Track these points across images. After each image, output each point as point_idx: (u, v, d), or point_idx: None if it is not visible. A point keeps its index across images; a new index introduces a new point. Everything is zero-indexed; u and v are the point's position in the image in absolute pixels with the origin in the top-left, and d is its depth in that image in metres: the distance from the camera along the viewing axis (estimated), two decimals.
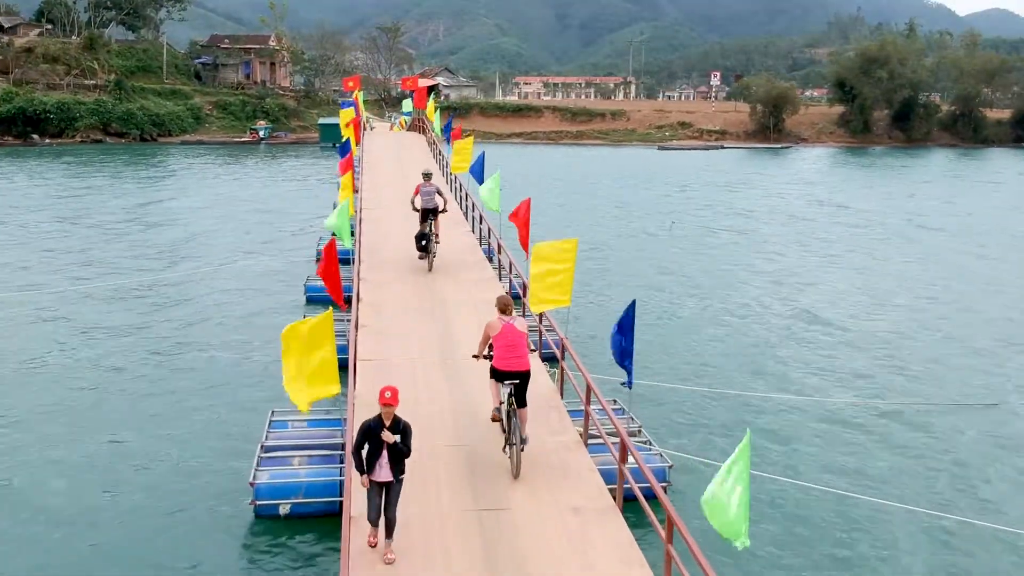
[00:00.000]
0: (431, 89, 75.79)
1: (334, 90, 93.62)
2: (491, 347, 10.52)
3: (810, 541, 11.28)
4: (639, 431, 12.74)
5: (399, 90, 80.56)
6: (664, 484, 11.17)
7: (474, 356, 11.02)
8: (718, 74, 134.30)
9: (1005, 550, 11.25)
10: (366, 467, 8.15)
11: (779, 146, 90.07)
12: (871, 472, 13.36)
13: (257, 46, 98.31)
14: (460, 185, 27.19)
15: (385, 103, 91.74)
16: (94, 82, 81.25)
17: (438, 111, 41.97)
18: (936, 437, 14.88)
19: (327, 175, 51.88)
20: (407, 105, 56.54)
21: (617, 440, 9.67)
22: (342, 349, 11.79)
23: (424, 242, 18.95)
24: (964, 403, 16.48)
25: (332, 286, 13.53)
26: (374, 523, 8.30)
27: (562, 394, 12.41)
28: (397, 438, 8.09)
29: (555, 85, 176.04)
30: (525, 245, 15.84)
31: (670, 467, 12.00)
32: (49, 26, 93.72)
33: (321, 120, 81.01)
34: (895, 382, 17.69)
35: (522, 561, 8.38)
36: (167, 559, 10.48)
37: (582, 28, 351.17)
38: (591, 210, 41.54)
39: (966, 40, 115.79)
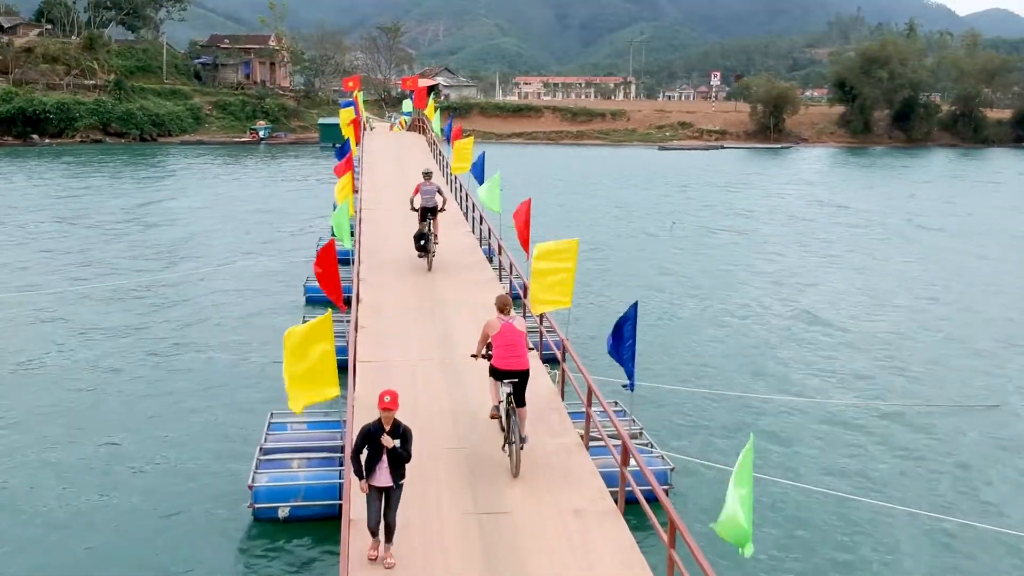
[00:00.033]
0: (431, 89, 75.72)
1: (334, 90, 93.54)
2: (490, 346, 10.53)
3: (811, 544, 11.21)
4: (640, 433, 12.67)
5: (399, 90, 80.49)
6: (666, 487, 11.11)
7: (472, 356, 11.01)
8: (718, 74, 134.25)
9: (1007, 553, 11.19)
10: (365, 472, 8.07)
11: (779, 146, 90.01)
12: (872, 474, 13.30)
13: (257, 46, 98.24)
14: (460, 185, 27.13)
15: (385, 103, 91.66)
16: (94, 82, 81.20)
17: (438, 111, 41.91)
18: (937, 439, 14.82)
19: (327, 175, 51.73)
20: (407, 105, 56.45)
21: (618, 442, 9.61)
22: (341, 350, 11.76)
23: (423, 242, 18.91)
24: (965, 404, 16.42)
25: (330, 287, 13.46)
26: (374, 530, 8.18)
27: (563, 395, 12.35)
28: (397, 443, 8.01)
29: (555, 85, 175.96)
30: (525, 246, 15.78)
31: (672, 469, 11.93)
32: (49, 26, 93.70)
33: (321, 120, 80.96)
34: (896, 383, 17.63)
35: (522, 565, 8.32)
36: (164, 562, 10.41)
37: (582, 28, 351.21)
38: (591, 210, 41.48)
39: (966, 40, 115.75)
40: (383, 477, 8.06)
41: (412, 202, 19.34)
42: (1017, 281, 27.82)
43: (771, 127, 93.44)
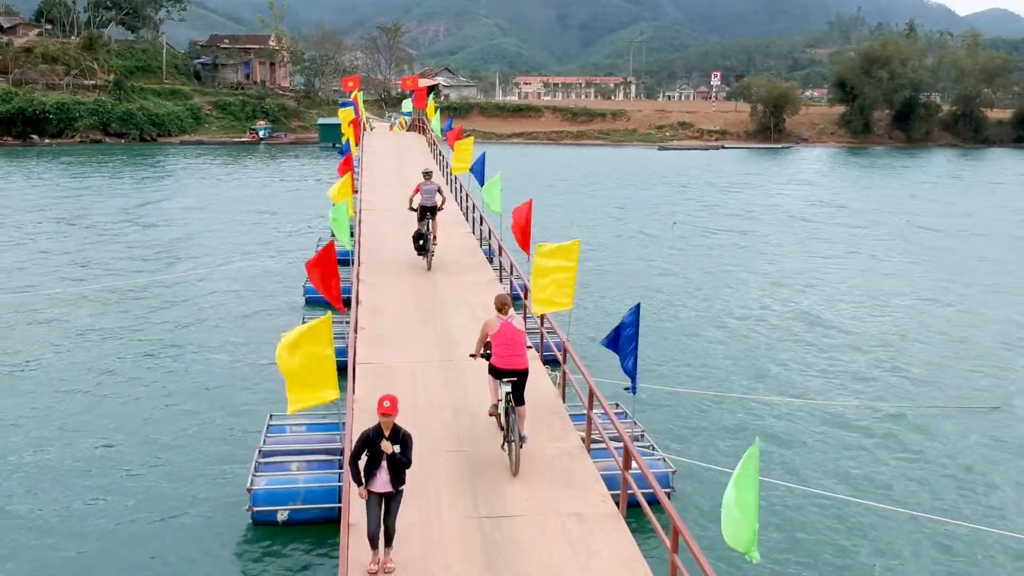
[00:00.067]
0: (431, 89, 75.67)
1: (334, 90, 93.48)
2: (488, 345, 10.50)
3: (813, 547, 11.13)
4: (642, 435, 12.59)
5: (399, 90, 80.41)
6: (668, 490, 11.02)
7: (471, 355, 11.02)
8: (718, 74, 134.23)
9: (1010, 557, 11.10)
10: (365, 477, 7.97)
11: (780, 146, 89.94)
12: (874, 477, 13.21)
13: (257, 46, 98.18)
14: (460, 186, 27.06)
15: (385, 103, 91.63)
16: (93, 82, 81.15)
17: (438, 111, 41.85)
18: (939, 441, 14.74)
19: (326, 175, 51.71)
20: (407, 105, 56.42)
21: (620, 445, 9.53)
22: (340, 352, 11.67)
23: (421, 241, 18.86)
24: (967, 406, 16.34)
25: (328, 288, 13.33)
26: (373, 537, 8.04)
27: (564, 398, 12.27)
28: (396, 449, 7.91)
29: (555, 85, 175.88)
30: (526, 247, 15.71)
31: (673, 472, 11.84)
32: (48, 26, 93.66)
33: (321, 120, 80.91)
34: (897, 385, 17.54)
35: (524, 570, 8.25)
36: (161, 567, 10.31)
37: (582, 28, 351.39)
38: (591, 210, 41.41)
39: (967, 40, 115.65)
40: (383, 483, 7.97)
41: (411, 201, 19.31)
42: (1018, 282, 27.74)
43: (771, 127, 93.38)
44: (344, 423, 10.54)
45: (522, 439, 10.06)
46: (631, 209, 42.40)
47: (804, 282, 26.94)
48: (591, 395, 10.58)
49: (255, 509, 10.92)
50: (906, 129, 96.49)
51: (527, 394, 10.41)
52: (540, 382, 12.50)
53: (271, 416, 12.93)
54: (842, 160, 77.94)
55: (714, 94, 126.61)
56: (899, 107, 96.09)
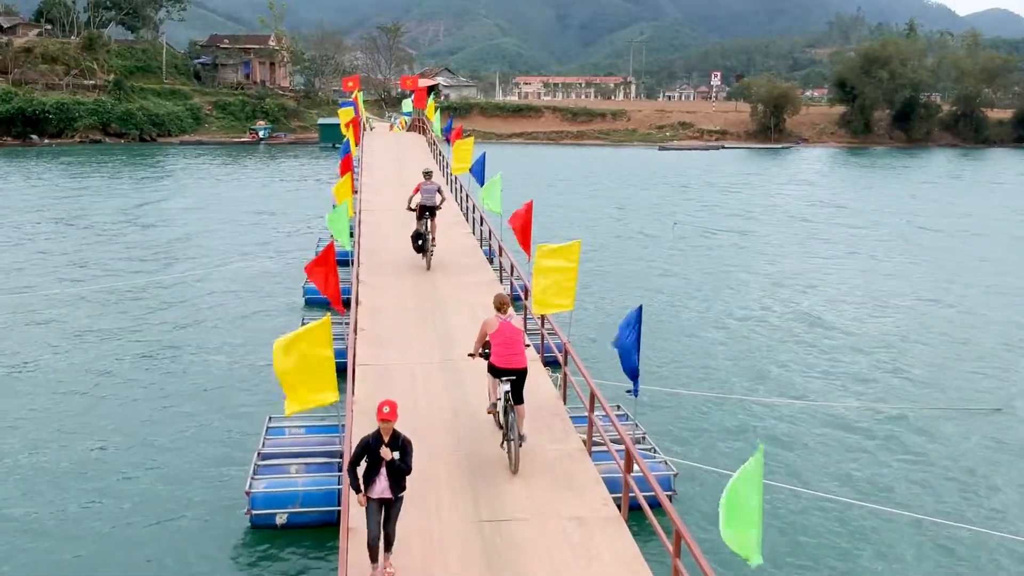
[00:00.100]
0: (431, 89, 75.63)
1: (334, 90, 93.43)
2: (487, 345, 10.47)
3: (815, 551, 11.06)
4: (643, 438, 12.52)
5: (399, 90, 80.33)
6: (669, 492, 10.95)
7: (470, 354, 10.99)
8: (719, 74, 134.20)
9: (1013, 559, 11.03)
10: (365, 483, 7.88)
11: (780, 146, 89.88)
12: (876, 479, 13.15)
13: (257, 46, 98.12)
14: (460, 186, 26.99)
15: (385, 103, 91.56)
16: (93, 82, 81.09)
17: (438, 111, 41.79)
18: (941, 443, 14.67)
19: (326, 175, 51.68)
20: (407, 105, 56.38)
21: (621, 447, 9.47)
22: (340, 353, 11.61)
23: (420, 241, 18.82)
24: (968, 408, 16.27)
25: (327, 289, 13.29)
26: (373, 544, 7.92)
27: (565, 399, 12.20)
28: (396, 455, 7.82)
29: (555, 85, 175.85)
30: (526, 247, 15.64)
31: (675, 475, 11.77)
32: (48, 26, 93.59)
33: (321, 120, 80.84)
34: (898, 386, 17.48)
35: (524, 573, 8.18)
36: (158, 571, 10.24)
37: (582, 28, 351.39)
38: (592, 210, 41.34)
39: (967, 40, 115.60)
40: (382, 489, 7.88)
41: (410, 201, 19.27)
42: (1019, 282, 27.67)
43: (771, 127, 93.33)
44: (344, 425, 10.47)
45: (521, 438, 10.04)
46: (631, 209, 42.33)
47: (804, 283, 26.87)
48: (592, 397, 10.51)
49: (254, 512, 10.85)
50: (906, 129, 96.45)
51: (527, 394, 10.38)
52: (541, 384, 12.44)
53: (270, 418, 12.86)
54: (842, 160, 77.88)
55: (714, 94, 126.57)
56: (899, 107, 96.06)
